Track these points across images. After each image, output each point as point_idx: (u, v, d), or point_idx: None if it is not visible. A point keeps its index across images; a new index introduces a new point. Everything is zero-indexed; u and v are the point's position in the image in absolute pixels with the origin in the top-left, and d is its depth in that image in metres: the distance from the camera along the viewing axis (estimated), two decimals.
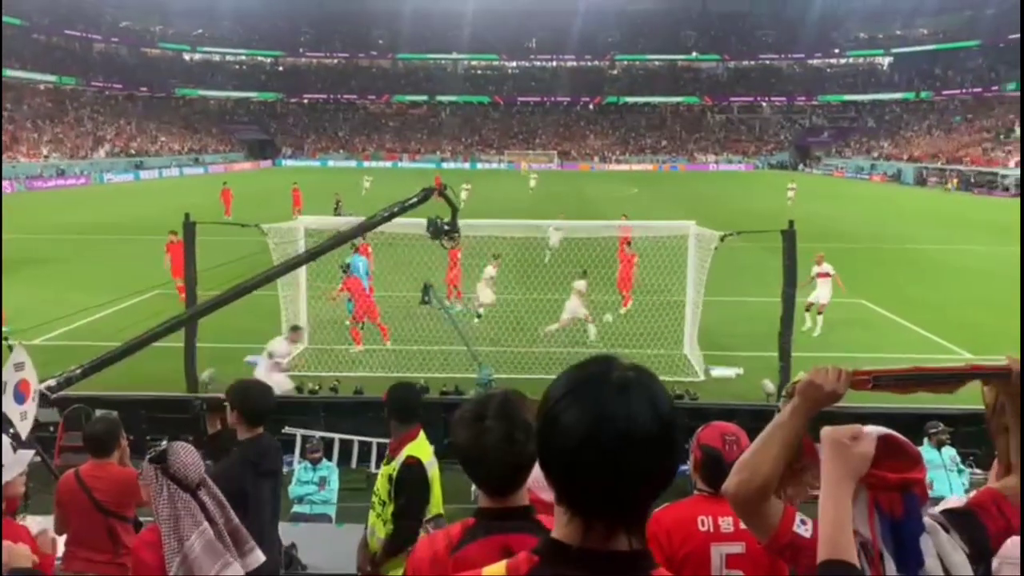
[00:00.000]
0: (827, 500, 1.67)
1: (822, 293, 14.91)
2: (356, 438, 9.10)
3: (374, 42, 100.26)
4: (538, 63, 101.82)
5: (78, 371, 6.26)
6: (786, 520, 1.89)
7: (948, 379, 1.89)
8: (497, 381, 10.44)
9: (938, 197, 53.16)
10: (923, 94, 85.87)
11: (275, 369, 10.23)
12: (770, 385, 10.16)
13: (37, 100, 71.86)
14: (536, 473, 2.12)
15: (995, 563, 1.97)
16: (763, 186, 54.77)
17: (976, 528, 1.85)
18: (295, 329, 11.35)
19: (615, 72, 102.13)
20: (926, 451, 7.65)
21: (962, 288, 19.80)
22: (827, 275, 14.95)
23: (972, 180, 59.79)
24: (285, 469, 6.13)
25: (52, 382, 6.01)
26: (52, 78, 75.55)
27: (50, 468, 5.89)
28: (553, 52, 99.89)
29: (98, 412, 6.86)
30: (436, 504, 4.35)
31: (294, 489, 7.47)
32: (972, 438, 8.23)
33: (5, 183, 47.79)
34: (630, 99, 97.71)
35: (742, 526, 2.63)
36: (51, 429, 8.15)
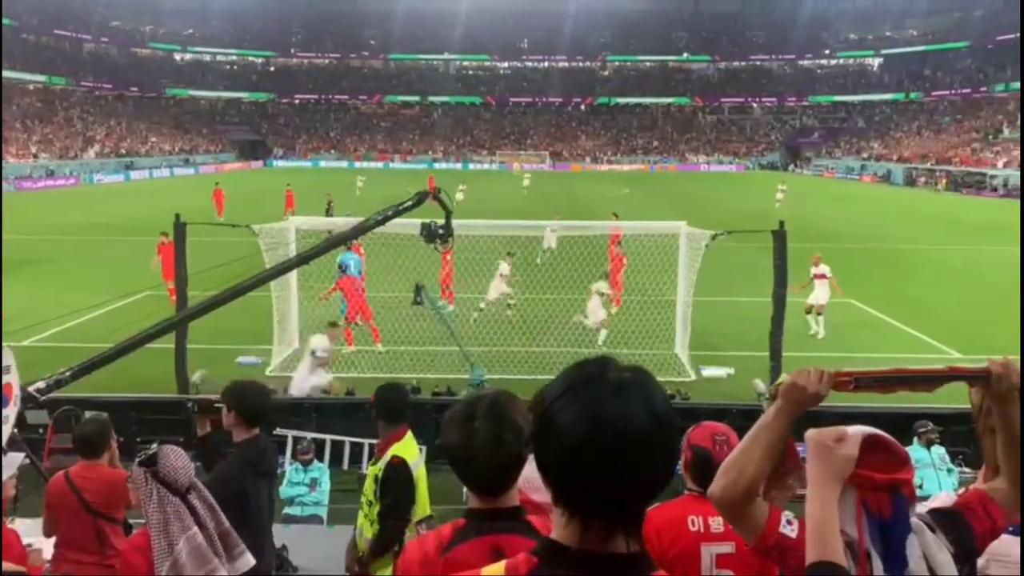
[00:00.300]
0: (813, 502, 1.69)
1: (819, 294, 14.94)
2: (348, 439, 9.08)
3: (365, 42, 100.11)
4: (530, 64, 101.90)
5: (68, 373, 6.22)
6: (772, 521, 1.90)
7: (928, 380, 1.91)
8: (489, 382, 10.42)
9: (928, 197, 53.45)
10: (912, 95, 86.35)
11: (319, 365, 10.21)
12: (761, 385, 10.18)
13: (26, 100, 71.44)
14: (526, 473, 2.13)
15: (983, 560, 1.99)
16: (754, 187, 54.90)
17: (962, 528, 1.87)
18: (333, 325, 11.30)
19: (606, 73, 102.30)
20: (916, 450, 7.69)
21: (952, 288, 19.91)
22: (824, 277, 14.98)
23: (961, 180, 60.14)
24: (278, 470, 6.11)
25: (41, 384, 5.98)
26: (41, 78, 75.14)
27: (40, 471, 5.86)
28: (545, 53, 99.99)
29: (88, 414, 6.82)
30: (423, 505, 4.36)
31: (285, 490, 7.45)
32: (961, 437, 8.26)
33: None
34: (621, 100, 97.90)
35: None
36: (40, 431, 8.10)
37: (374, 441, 8.52)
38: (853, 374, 1.85)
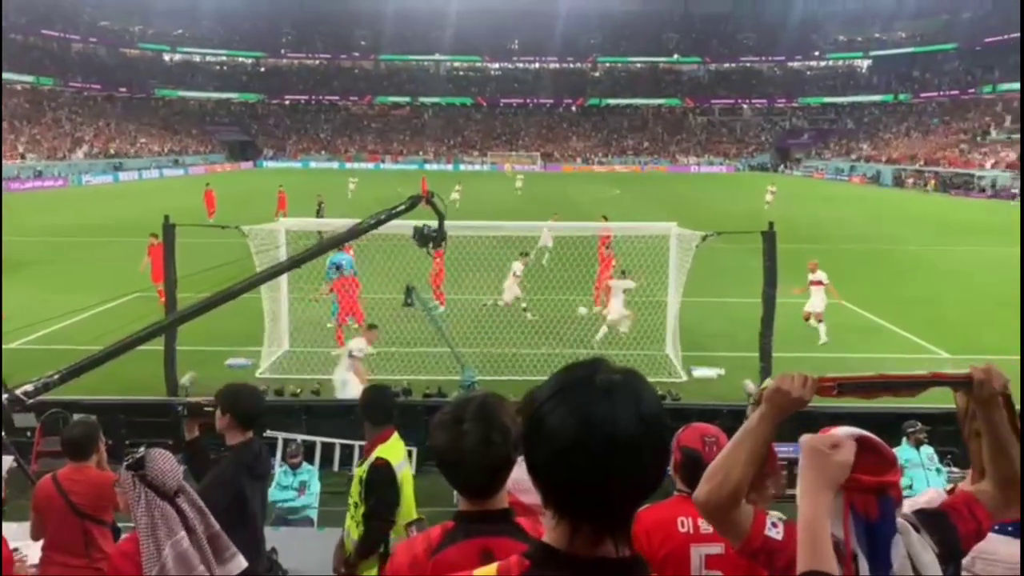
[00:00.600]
0: (806, 509, 1.68)
1: (815, 301, 14.92)
2: (338, 441, 9.06)
3: (356, 43, 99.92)
4: (521, 65, 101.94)
5: (56, 376, 6.16)
6: (757, 524, 1.91)
7: (910, 386, 1.93)
8: (481, 383, 10.42)
9: (916, 198, 53.72)
10: (901, 96, 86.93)
11: (356, 365, 10.21)
12: (751, 386, 10.19)
13: (14, 101, 70.82)
14: (516, 475, 2.13)
15: (968, 558, 2.00)
16: (744, 188, 55.07)
17: (947, 529, 1.88)
18: (371, 328, 11.33)
19: (597, 74, 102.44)
20: (905, 450, 7.73)
21: (941, 288, 20.00)
22: (820, 283, 14.99)
23: (949, 181, 60.52)
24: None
25: (29, 387, 5.92)
26: (29, 78, 74.63)
27: (27, 474, 5.82)
28: (536, 54, 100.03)
29: (76, 416, 6.78)
30: (408, 508, 4.35)
31: (273, 493, 7.42)
32: (950, 437, 8.28)
33: None
34: (612, 101, 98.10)
35: None
36: (28, 434, 8.05)
37: (364, 443, 8.52)
38: (837, 379, 1.86)
